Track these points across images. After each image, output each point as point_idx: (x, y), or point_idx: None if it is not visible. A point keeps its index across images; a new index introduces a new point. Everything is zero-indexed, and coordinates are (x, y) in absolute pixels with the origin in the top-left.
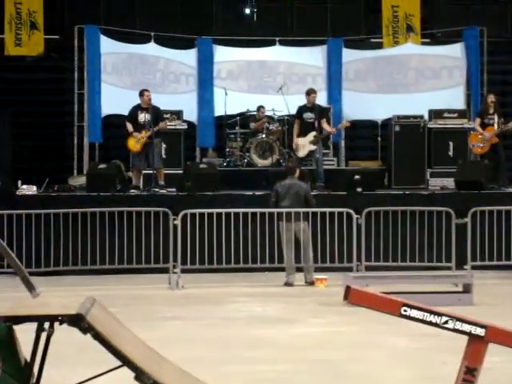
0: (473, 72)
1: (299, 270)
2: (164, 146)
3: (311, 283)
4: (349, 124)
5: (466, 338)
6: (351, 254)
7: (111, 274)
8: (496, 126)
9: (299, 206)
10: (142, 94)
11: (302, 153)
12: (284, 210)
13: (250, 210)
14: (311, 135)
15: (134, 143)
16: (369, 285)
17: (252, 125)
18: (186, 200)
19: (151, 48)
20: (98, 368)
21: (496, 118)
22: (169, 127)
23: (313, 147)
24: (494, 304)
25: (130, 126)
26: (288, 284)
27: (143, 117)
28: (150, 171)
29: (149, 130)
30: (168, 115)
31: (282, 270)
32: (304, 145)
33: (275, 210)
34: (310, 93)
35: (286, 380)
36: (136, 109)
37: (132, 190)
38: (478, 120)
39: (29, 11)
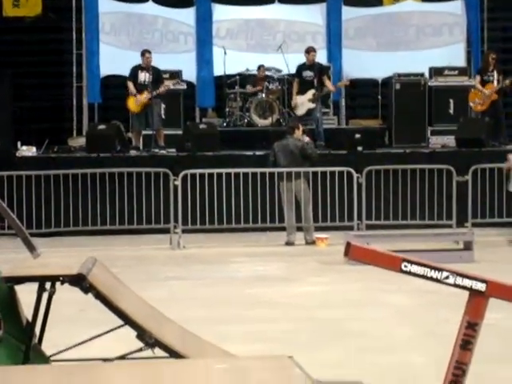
0: (473, 29)
1: (300, 229)
2: (163, 106)
3: (312, 243)
4: (348, 82)
5: (466, 295)
6: (352, 212)
7: (112, 234)
8: (496, 83)
9: (296, 164)
10: (143, 54)
11: (300, 111)
12: (283, 170)
13: (250, 170)
14: (310, 93)
15: (135, 104)
16: (369, 243)
17: (248, 87)
18: (186, 160)
19: (149, 7)
20: (100, 328)
21: (496, 75)
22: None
23: (312, 105)
24: (494, 261)
25: (132, 87)
26: (289, 243)
27: (143, 76)
28: (150, 132)
29: (149, 92)
30: (168, 76)
31: (283, 229)
32: (303, 103)
33: (275, 170)
34: (310, 51)
35: (287, 339)
36: (136, 68)
37: (132, 151)
38: (478, 77)
39: None
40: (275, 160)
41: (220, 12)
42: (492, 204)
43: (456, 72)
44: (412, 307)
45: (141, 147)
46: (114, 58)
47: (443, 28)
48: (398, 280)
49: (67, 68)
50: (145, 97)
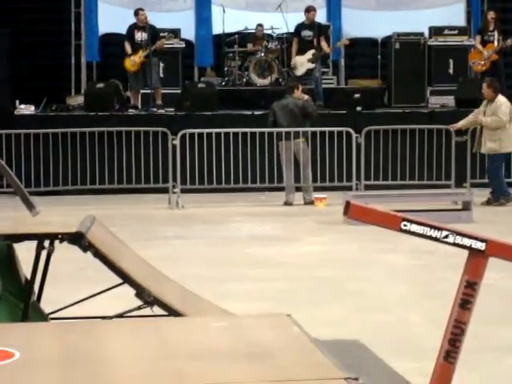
0: None
1: (298, 189)
2: (162, 65)
3: (310, 203)
4: (348, 42)
5: (463, 256)
6: (351, 173)
7: (111, 193)
8: (496, 42)
9: (296, 124)
10: (136, 13)
11: (300, 71)
12: (282, 130)
13: (248, 130)
14: (309, 53)
15: (131, 63)
16: (368, 203)
17: (249, 45)
18: (185, 120)
19: None
20: (99, 286)
21: (496, 34)
22: (166, 46)
23: (311, 65)
24: (493, 221)
25: (128, 47)
26: (287, 203)
27: (140, 36)
28: (148, 91)
29: (144, 50)
30: (165, 34)
31: (282, 189)
32: (302, 63)
33: (274, 130)
34: (310, 10)
35: (286, 297)
36: (132, 28)
37: (130, 110)
38: (478, 37)
39: None
40: (275, 120)
41: None
42: None
43: (456, 32)
44: (409, 267)
45: (139, 106)
46: (113, 16)
47: None
48: (395, 240)
49: (65, 26)
50: (140, 56)
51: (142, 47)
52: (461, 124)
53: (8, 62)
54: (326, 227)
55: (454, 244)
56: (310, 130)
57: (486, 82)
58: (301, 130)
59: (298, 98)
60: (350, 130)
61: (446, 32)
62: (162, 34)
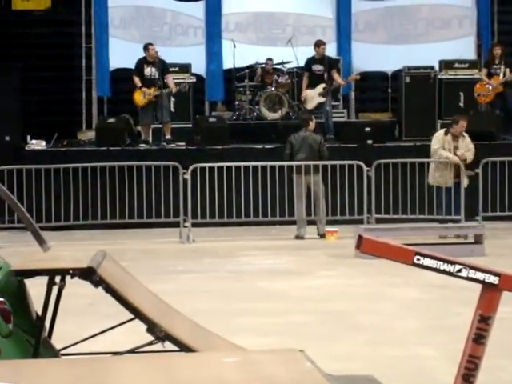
0: (483, 22)
1: (310, 223)
2: (173, 99)
3: (322, 236)
4: (359, 77)
5: (478, 290)
6: (362, 206)
7: (122, 228)
8: (502, 75)
9: (313, 158)
10: (146, 48)
11: (310, 105)
12: (300, 163)
13: (259, 164)
14: (320, 87)
15: (141, 97)
16: (379, 237)
17: (257, 80)
18: (196, 154)
19: (159, 0)
20: (110, 321)
21: (502, 68)
22: (177, 81)
23: (321, 99)
24: (505, 254)
25: (137, 80)
26: (299, 237)
27: (149, 71)
28: (159, 125)
29: (157, 87)
30: (176, 68)
31: (293, 223)
32: (313, 97)
33: (285, 163)
34: (319, 44)
35: (298, 332)
36: (142, 62)
37: (141, 145)
38: (485, 70)
39: None
40: (291, 153)
41: (229, 5)
42: (502, 197)
43: (466, 65)
44: (421, 301)
45: (150, 140)
46: (124, 52)
47: (453, 21)
48: (407, 274)
49: (77, 61)
50: (150, 92)
51: (153, 83)
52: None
53: (19, 97)
54: (337, 261)
55: (468, 278)
56: (321, 163)
57: (465, 119)
58: (320, 163)
59: (311, 130)
60: (361, 163)
61: (457, 65)
62: (174, 69)
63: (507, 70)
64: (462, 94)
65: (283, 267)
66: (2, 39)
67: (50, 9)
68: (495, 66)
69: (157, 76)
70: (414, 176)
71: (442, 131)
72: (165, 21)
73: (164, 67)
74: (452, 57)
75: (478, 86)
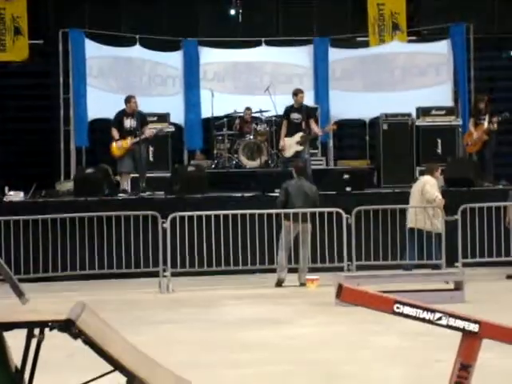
0: (460, 69)
1: (291, 270)
2: (151, 149)
3: (303, 284)
4: (335, 127)
5: (458, 336)
6: (342, 253)
7: (101, 279)
8: (486, 124)
9: (308, 206)
10: (128, 100)
11: (288, 153)
12: (293, 211)
13: (239, 212)
14: (298, 136)
15: (117, 149)
16: (360, 284)
17: (238, 128)
18: (175, 203)
19: (137, 51)
20: (90, 373)
21: (487, 117)
22: (155, 129)
23: (299, 148)
24: (486, 301)
25: (115, 133)
26: (279, 280)
27: (129, 122)
28: (136, 175)
29: (135, 137)
30: (155, 118)
31: (273, 271)
32: (291, 145)
33: (265, 211)
34: (297, 93)
35: (278, 381)
36: (121, 114)
37: (120, 194)
38: (472, 120)
39: (12, 16)
40: (286, 200)
41: (207, 55)
42: (482, 243)
43: (443, 112)
44: (403, 349)
45: (129, 190)
46: (102, 102)
47: (429, 68)
48: (388, 321)
49: (55, 112)
50: (127, 142)
51: (131, 134)
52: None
53: None
54: (318, 309)
55: (448, 326)
56: (301, 210)
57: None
58: (308, 211)
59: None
60: (340, 210)
61: (434, 112)
62: (152, 119)
63: (493, 118)
64: (439, 140)
65: (263, 316)
66: None
67: (28, 60)
68: (481, 117)
69: (135, 127)
70: (394, 222)
71: (430, 177)
72: (143, 71)
73: (142, 119)
74: (429, 104)
75: (465, 135)
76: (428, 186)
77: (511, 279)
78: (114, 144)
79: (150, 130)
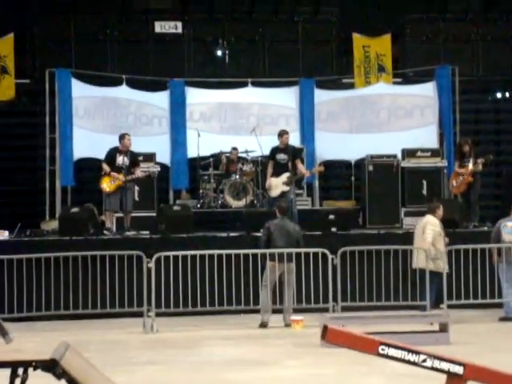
0: (445, 111)
1: (275, 311)
2: (137, 188)
3: (288, 325)
4: (323, 169)
5: (444, 377)
6: (327, 294)
7: (85, 318)
8: (470, 165)
9: (291, 246)
10: (123, 137)
11: (274, 193)
12: (277, 251)
13: (224, 252)
14: (284, 176)
15: (108, 183)
16: (345, 325)
17: (224, 168)
18: (160, 243)
19: (123, 91)
20: None
21: (472, 159)
22: (147, 171)
23: (286, 188)
24: (471, 343)
25: (106, 168)
26: (263, 324)
27: (121, 160)
28: (121, 214)
29: (124, 175)
30: (141, 157)
31: (258, 311)
32: (277, 185)
33: (250, 251)
34: (283, 134)
35: None
36: (114, 151)
37: (105, 232)
38: (457, 163)
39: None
40: (268, 240)
41: (194, 95)
42: (467, 285)
43: (429, 153)
44: None
45: (114, 229)
46: (88, 141)
47: (415, 110)
48: (373, 362)
49: (40, 151)
50: (119, 178)
51: (121, 171)
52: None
53: None
54: (303, 350)
55: (432, 368)
56: (286, 250)
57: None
58: (294, 251)
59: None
60: (326, 251)
61: (419, 154)
62: (139, 159)
63: (478, 160)
64: (424, 182)
65: (248, 357)
66: None
67: (14, 99)
68: (465, 159)
69: (127, 165)
70: (380, 263)
71: (432, 217)
72: (129, 111)
73: (134, 159)
74: (414, 145)
75: (451, 177)
76: (428, 227)
77: (504, 321)
78: (105, 178)
79: (141, 172)
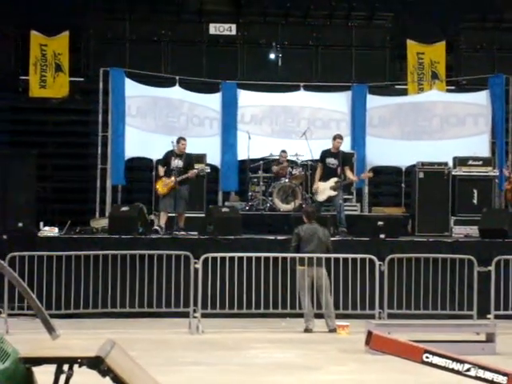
0: (498, 120)
1: (318, 316)
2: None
3: (333, 330)
4: (372, 175)
5: None
6: (373, 301)
7: (131, 317)
8: None
9: (321, 251)
10: (178, 141)
11: (321, 197)
12: (307, 255)
13: (271, 255)
14: (332, 181)
15: (162, 186)
16: (391, 332)
17: (274, 168)
18: (208, 244)
19: (176, 91)
20: None
21: None
22: (196, 170)
23: (333, 193)
24: None
25: (161, 170)
26: (307, 330)
27: (176, 163)
28: (174, 214)
29: (176, 176)
30: (198, 167)
31: (303, 316)
32: (324, 190)
33: (297, 256)
34: (336, 138)
35: None
36: (170, 154)
37: (157, 228)
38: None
39: (54, 53)
40: (298, 245)
41: (245, 98)
42: None
43: (480, 162)
44: None
45: (164, 229)
46: (140, 141)
47: (467, 118)
48: (418, 371)
49: (92, 149)
50: (172, 180)
51: (174, 174)
52: None
53: (33, 183)
54: (348, 356)
55: (476, 377)
56: (333, 256)
57: None
58: (323, 256)
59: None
60: (374, 257)
61: (471, 162)
62: (195, 166)
63: None
64: (475, 190)
65: (293, 361)
66: (18, 126)
67: (68, 97)
68: None
69: (181, 168)
70: (428, 271)
71: None
72: (182, 111)
73: (189, 161)
74: (466, 154)
75: (505, 184)
76: None
77: None
78: (159, 181)
79: (192, 171)
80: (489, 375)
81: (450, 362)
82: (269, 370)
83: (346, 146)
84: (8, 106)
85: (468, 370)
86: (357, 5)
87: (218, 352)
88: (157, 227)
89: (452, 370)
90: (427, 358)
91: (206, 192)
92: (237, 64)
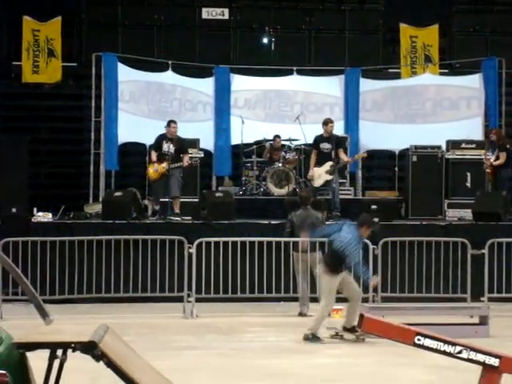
0: (491, 103)
1: (313, 300)
2: (181, 174)
3: (328, 314)
4: (365, 155)
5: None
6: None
7: (125, 302)
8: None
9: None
10: (168, 124)
11: (317, 182)
12: (300, 240)
13: (265, 239)
14: (327, 165)
15: (153, 171)
16: (385, 316)
17: (267, 156)
18: (202, 228)
19: (169, 76)
20: None
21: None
22: (190, 156)
23: (329, 177)
24: (510, 336)
25: (153, 155)
26: (302, 314)
27: (167, 147)
28: (167, 199)
29: (169, 162)
30: (191, 153)
31: (298, 299)
32: (320, 174)
33: (291, 240)
34: (328, 123)
35: None
36: (161, 138)
37: (150, 218)
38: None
39: (47, 39)
40: (291, 231)
41: (239, 82)
42: (508, 279)
43: (473, 145)
44: (425, 382)
45: (157, 214)
46: (133, 126)
47: (460, 101)
48: (413, 354)
49: (85, 135)
50: (163, 166)
51: (167, 158)
52: None
53: (27, 169)
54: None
55: (468, 359)
56: (327, 240)
57: None
58: (318, 240)
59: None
60: (367, 241)
61: (464, 146)
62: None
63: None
64: (468, 174)
65: (287, 345)
66: (11, 111)
67: (60, 82)
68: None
69: (172, 152)
70: (421, 255)
71: None
72: (174, 96)
73: (182, 146)
74: (459, 137)
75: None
76: None
77: None
78: (150, 166)
79: (187, 161)
80: (481, 357)
81: (442, 344)
82: (263, 353)
83: (339, 130)
84: (0, 92)
85: (460, 352)
86: None
87: (212, 336)
88: (151, 212)
89: (444, 353)
90: (419, 340)
91: (199, 177)
92: (230, 48)
